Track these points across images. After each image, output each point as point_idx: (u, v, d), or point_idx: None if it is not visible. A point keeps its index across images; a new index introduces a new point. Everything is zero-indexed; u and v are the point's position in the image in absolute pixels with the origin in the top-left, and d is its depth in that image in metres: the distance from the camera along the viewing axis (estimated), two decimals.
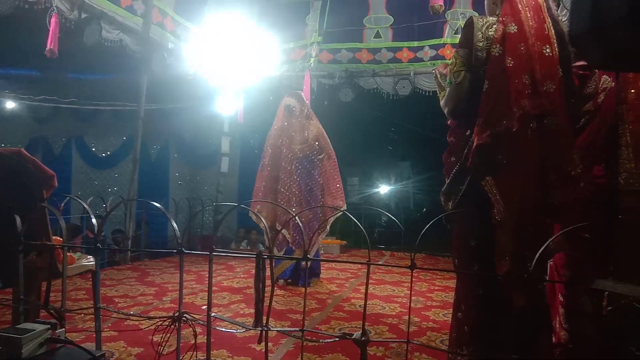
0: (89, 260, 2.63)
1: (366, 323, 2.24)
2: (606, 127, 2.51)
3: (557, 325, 2.60)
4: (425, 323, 3.55)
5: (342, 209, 4.50)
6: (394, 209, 12.90)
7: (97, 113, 8.35)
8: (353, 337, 1.78)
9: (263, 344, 2.74)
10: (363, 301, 4.13)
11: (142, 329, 2.94)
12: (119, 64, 6.39)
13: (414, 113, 8.75)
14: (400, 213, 12.69)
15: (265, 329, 1.87)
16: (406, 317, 3.71)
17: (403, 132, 12.23)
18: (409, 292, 4.54)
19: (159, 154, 9.05)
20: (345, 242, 7.79)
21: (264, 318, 1.89)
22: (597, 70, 2.53)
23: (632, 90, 2.40)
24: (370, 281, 5.10)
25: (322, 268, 5.15)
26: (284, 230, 4.49)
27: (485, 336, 2.31)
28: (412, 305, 4.10)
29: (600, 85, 2.52)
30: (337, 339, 1.93)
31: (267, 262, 1.93)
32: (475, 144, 2.22)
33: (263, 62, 5.85)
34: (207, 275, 1.94)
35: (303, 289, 4.44)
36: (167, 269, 5.42)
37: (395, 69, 6.99)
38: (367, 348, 2.87)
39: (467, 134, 2.37)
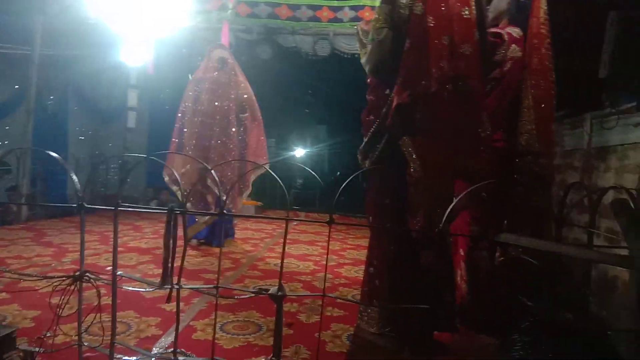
0: None
1: (282, 280, 2.23)
2: (510, 94, 2.65)
3: (458, 279, 2.78)
4: (338, 279, 3.64)
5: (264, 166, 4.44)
6: (308, 173, 13.02)
7: None
8: (269, 292, 1.76)
9: (173, 304, 2.65)
10: (278, 260, 4.16)
11: (38, 290, 2.72)
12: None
13: (333, 75, 8.76)
14: (314, 177, 12.84)
15: (177, 287, 1.78)
16: (320, 275, 3.78)
17: (320, 95, 12.24)
18: (322, 250, 4.64)
19: (56, 105, 8.20)
20: (260, 203, 7.75)
21: (175, 277, 1.80)
22: (507, 39, 2.64)
23: (536, 57, 2.55)
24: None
25: (236, 228, 5.08)
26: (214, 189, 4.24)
27: (395, 290, 2.41)
28: (325, 262, 4.19)
29: (508, 54, 2.63)
30: (253, 295, 1.90)
31: (180, 219, 1.82)
32: (394, 103, 2.24)
33: (174, 10, 5.45)
34: (112, 235, 1.80)
35: (217, 250, 4.37)
36: (67, 229, 5.04)
37: (315, 28, 6.88)
38: (283, 304, 2.90)
39: (386, 92, 2.38)
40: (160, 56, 6.77)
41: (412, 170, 2.24)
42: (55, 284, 1.80)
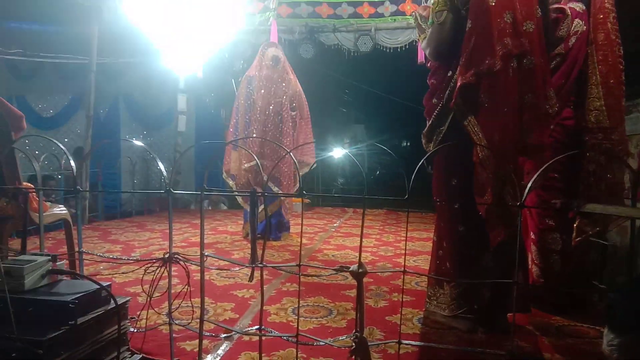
0: (61, 210, 2.49)
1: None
2: (577, 70, 2.61)
3: (530, 263, 2.75)
4: (399, 268, 3.64)
5: (312, 164, 4.52)
6: (348, 172, 13.12)
7: (39, 69, 7.76)
8: (350, 269, 1.80)
9: (245, 290, 2.73)
10: (335, 252, 4.21)
11: (115, 280, 2.88)
12: (61, 12, 5.90)
13: (375, 71, 8.78)
14: (354, 175, 12.91)
15: (261, 265, 1.86)
16: (379, 264, 3.82)
17: (359, 94, 12.26)
18: (376, 242, 4.65)
19: (108, 113, 8.58)
20: (308, 200, 7.83)
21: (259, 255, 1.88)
22: (570, 14, 2.60)
23: (602, 32, 2.50)
24: (338, 234, 5.21)
25: (290, 223, 5.17)
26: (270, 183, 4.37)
27: (466, 272, 2.40)
28: (382, 253, 4.21)
29: (572, 29, 2.60)
30: (334, 273, 1.95)
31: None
32: (459, 83, 2.25)
33: (224, 21, 5.56)
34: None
35: (274, 243, 4.47)
36: (129, 229, 5.25)
37: (356, 25, 6.91)
38: (344, 291, 2.95)
39: (448, 75, 2.40)
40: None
41: (478, 149, 2.24)
42: (146, 265, 1.92)
